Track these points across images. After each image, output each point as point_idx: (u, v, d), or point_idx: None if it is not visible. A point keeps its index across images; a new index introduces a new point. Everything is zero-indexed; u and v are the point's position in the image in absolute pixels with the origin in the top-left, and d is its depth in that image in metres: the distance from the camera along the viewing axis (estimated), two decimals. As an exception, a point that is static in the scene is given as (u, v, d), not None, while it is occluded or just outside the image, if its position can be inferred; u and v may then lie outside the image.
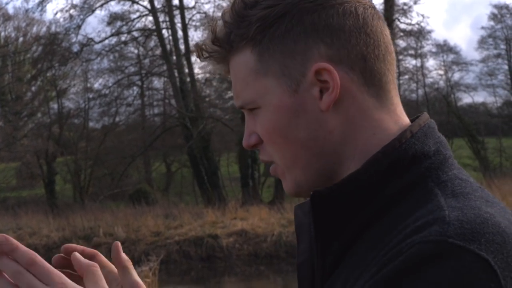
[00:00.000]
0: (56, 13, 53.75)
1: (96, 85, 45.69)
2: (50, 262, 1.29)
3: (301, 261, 1.51)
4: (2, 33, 50.22)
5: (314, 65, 1.36)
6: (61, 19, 49.90)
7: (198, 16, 39.56)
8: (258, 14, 1.37)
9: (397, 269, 1.16)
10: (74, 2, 39.89)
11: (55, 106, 45.80)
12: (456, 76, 68.75)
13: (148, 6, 38.77)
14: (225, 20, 1.41)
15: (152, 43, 41.90)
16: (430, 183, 1.31)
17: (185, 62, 37.94)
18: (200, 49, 1.46)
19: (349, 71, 1.37)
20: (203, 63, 1.51)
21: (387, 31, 1.45)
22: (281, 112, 1.38)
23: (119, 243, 1.45)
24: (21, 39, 49.67)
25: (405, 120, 1.43)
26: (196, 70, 38.30)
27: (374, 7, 1.43)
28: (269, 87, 1.38)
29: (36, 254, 1.25)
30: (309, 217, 1.43)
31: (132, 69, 42.86)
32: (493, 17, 48.55)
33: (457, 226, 1.16)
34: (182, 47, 38.11)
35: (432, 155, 1.35)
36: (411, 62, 68.15)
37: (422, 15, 67.53)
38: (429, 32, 63.06)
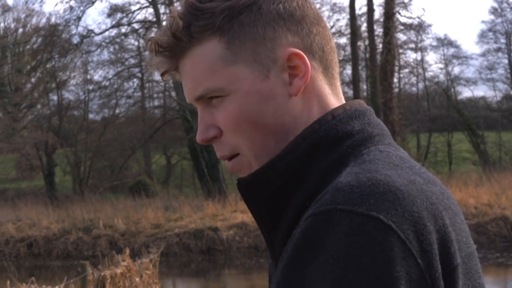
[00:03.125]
0: (56, 5, 53.80)
1: (96, 77, 45.99)
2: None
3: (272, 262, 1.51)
4: (2, 24, 50.23)
5: (287, 50, 1.39)
6: (61, 11, 50.02)
7: (198, 8, 39.53)
8: (223, 5, 1.39)
9: (298, 246, 1.18)
10: (75, -6, 39.81)
11: (55, 97, 45.97)
12: (456, 70, 69.07)
13: (149, -2, 38.75)
14: (180, 14, 1.42)
15: (152, 35, 41.83)
16: (352, 158, 1.32)
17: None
18: (155, 43, 1.45)
19: (312, 59, 1.41)
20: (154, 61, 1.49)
21: None
22: (252, 97, 1.38)
23: None
24: (20, 30, 49.68)
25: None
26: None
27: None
28: (240, 74, 1.39)
29: None
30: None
31: (132, 61, 42.94)
32: (493, 11, 48.59)
33: (347, 191, 1.18)
34: (182, 39, 38.00)
35: (356, 134, 1.36)
36: (411, 56, 68.42)
37: (423, 9, 67.65)
38: (429, 25, 63.17)
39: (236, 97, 1.38)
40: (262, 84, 1.38)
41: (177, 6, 1.45)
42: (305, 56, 1.39)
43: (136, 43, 43.94)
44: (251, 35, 1.39)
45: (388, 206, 1.16)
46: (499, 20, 48.43)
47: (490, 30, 48.76)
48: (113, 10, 40.37)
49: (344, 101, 1.46)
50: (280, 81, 1.39)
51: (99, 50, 41.60)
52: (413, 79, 49.11)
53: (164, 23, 1.45)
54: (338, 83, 1.48)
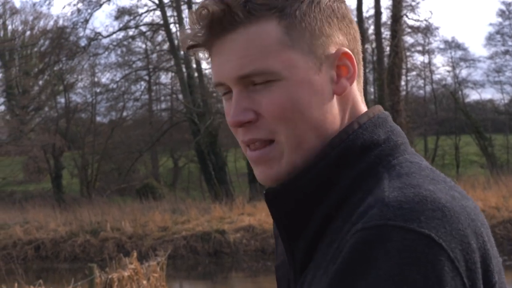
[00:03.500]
0: (63, 7, 53.83)
1: (103, 80, 45.91)
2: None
3: (279, 263, 1.52)
4: (9, 27, 50.39)
5: (339, 48, 1.40)
6: (69, 13, 49.82)
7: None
8: None
9: (348, 260, 1.17)
10: (82, -3, 39.84)
11: (62, 100, 45.98)
12: (464, 72, 68.82)
13: (156, 1, 38.76)
14: None
15: (159, 38, 41.94)
16: (381, 169, 1.31)
17: (192, 57, 37.80)
18: (210, 12, 1.38)
19: None
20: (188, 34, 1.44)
21: None
22: (304, 87, 1.36)
23: None
24: (28, 33, 49.79)
25: None
26: (204, 65, 38.35)
27: None
28: (296, 61, 1.37)
29: None
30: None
31: (139, 63, 42.94)
32: (501, 13, 48.48)
33: (396, 207, 1.17)
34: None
35: (382, 143, 1.36)
36: (418, 59, 68.29)
37: (430, 12, 67.54)
38: (437, 28, 63.08)
39: (288, 84, 1.36)
40: (315, 76, 1.38)
41: None
42: (354, 58, 1.41)
43: (144, 46, 44.05)
44: (311, 26, 1.38)
45: (437, 224, 1.16)
46: (506, 22, 48.30)
47: (497, 32, 48.59)
48: (121, 12, 40.48)
49: (366, 109, 1.47)
50: (329, 77, 1.39)
51: (106, 52, 41.65)
52: (421, 82, 49.06)
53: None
54: (363, 92, 1.49)
